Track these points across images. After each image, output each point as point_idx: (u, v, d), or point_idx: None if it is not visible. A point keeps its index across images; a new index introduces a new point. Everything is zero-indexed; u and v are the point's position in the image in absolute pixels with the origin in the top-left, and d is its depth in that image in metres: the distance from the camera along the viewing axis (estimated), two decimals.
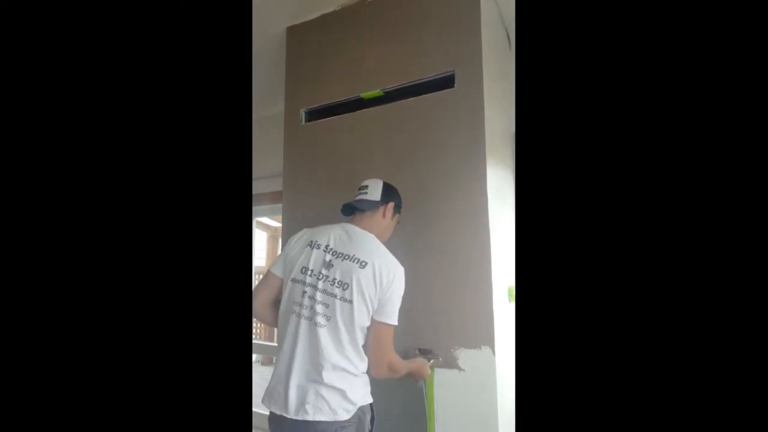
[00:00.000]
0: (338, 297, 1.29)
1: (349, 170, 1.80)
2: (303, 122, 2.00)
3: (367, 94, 1.82)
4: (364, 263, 1.30)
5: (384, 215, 1.47)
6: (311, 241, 1.39)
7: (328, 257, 1.34)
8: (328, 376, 1.24)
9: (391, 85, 1.76)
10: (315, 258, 1.35)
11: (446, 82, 1.65)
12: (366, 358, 1.33)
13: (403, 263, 1.64)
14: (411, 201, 1.64)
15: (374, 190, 1.46)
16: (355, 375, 1.29)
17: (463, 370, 1.47)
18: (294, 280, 1.36)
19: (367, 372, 1.34)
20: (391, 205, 1.48)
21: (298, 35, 2.11)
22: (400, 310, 1.35)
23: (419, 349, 1.54)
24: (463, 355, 1.47)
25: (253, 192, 2.87)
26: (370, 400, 1.34)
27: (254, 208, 3.05)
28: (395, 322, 1.32)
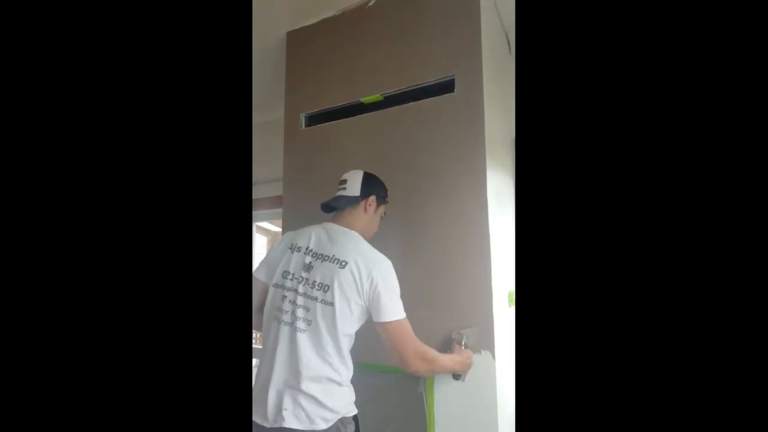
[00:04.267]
0: (319, 300, 1.24)
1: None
2: (303, 127, 2.00)
3: (367, 99, 1.82)
4: (344, 263, 1.25)
5: (365, 210, 1.42)
6: (292, 244, 1.36)
7: (308, 259, 1.31)
8: (306, 384, 1.19)
9: (391, 89, 1.77)
10: (295, 261, 1.32)
11: (446, 87, 1.65)
12: (351, 366, 1.29)
13: (403, 268, 1.64)
14: (411, 205, 1.64)
15: (353, 185, 1.41)
16: (336, 383, 1.24)
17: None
18: (276, 285, 1.33)
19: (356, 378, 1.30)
20: (372, 198, 1.42)
21: (298, 40, 2.12)
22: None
23: (454, 336, 1.43)
24: None
25: (253, 196, 2.88)
26: (353, 411, 1.29)
27: (254, 213, 3.05)
28: (401, 316, 1.24)
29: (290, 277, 1.31)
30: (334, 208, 1.42)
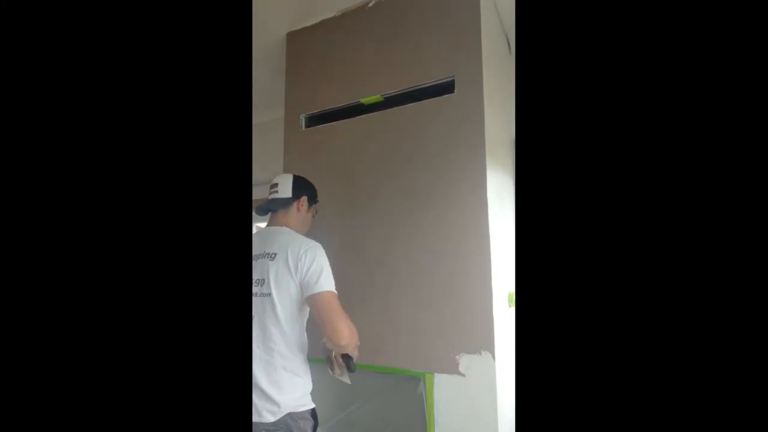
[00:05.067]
0: (258, 295, 1.32)
1: (348, 176, 1.81)
2: (303, 128, 2.00)
3: (366, 100, 1.82)
4: (273, 255, 1.33)
5: (298, 209, 1.51)
6: None
7: None
8: (254, 374, 1.25)
9: (391, 90, 1.77)
10: None
11: (446, 88, 1.65)
12: (301, 355, 1.33)
13: (403, 268, 1.64)
14: (410, 206, 1.64)
15: (285, 187, 1.50)
16: (288, 371, 1.28)
17: (463, 375, 1.47)
18: None
19: (337, 355, 1.33)
20: (304, 198, 1.52)
21: (298, 40, 2.12)
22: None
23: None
24: (464, 361, 1.47)
25: (253, 197, 2.88)
26: (307, 405, 1.31)
27: (254, 214, 3.05)
28: (330, 288, 1.28)
29: None
30: (267, 211, 1.51)
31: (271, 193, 1.52)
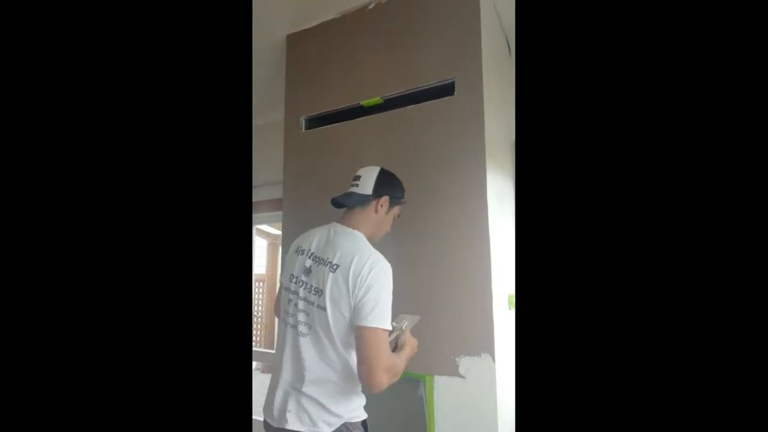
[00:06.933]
0: (315, 304, 1.20)
1: (348, 178, 1.80)
2: (303, 130, 2.00)
3: (367, 102, 1.82)
4: (335, 266, 1.18)
5: (376, 210, 1.31)
6: (298, 247, 1.34)
7: (309, 263, 1.26)
8: (308, 387, 1.18)
9: (391, 92, 1.77)
10: (299, 264, 1.30)
11: (446, 90, 1.65)
12: (355, 371, 1.17)
13: (403, 270, 1.63)
14: (411, 208, 1.64)
15: (366, 182, 1.32)
16: (341, 386, 1.20)
17: (464, 377, 1.46)
18: (285, 288, 1.33)
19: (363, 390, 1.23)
20: (385, 198, 1.32)
21: (298, 43, 2.12)
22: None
23: (394, 326, 1.28)
24: (464, 363, 1.47)
25: (253, 199, 2.88)
26: (361, 416, 1.24)
27: (254, 216, 3.05)
28: (380, 325, 1.10)
29: (294, 280, 1.29)
30: (342, 205, 1.33)
31: (351, 186, 1.33)
